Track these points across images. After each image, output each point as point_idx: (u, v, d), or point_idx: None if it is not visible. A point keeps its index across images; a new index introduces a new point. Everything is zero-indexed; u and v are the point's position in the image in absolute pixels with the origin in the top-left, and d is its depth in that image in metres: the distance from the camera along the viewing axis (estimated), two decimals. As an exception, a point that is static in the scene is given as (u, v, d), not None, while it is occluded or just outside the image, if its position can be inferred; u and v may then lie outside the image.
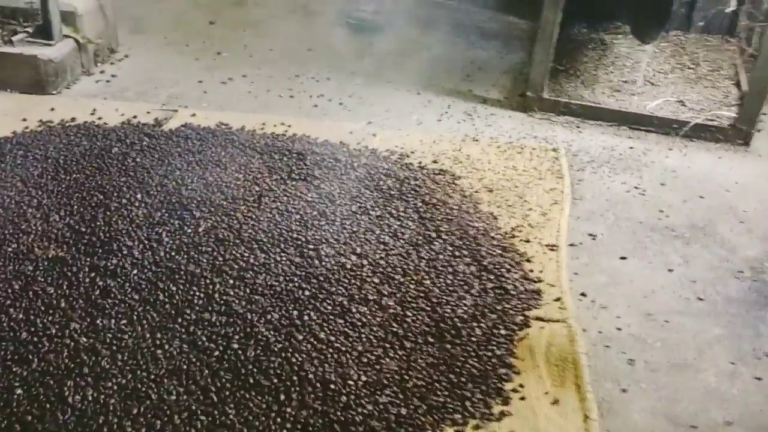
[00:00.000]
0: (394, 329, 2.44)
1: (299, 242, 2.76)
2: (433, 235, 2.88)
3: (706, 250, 2.92)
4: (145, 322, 2.37)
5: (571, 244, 2.95)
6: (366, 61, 4.38)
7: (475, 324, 2.47)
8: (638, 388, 2.32)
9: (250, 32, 4.68)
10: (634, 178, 3.39)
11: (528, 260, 2.83)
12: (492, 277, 2.69)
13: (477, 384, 2.27)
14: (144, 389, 2.15)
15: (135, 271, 2.57)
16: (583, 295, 2.69)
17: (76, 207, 2.89)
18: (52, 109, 3.62)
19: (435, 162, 3.42)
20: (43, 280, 2.52)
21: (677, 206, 3.21)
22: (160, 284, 2.52)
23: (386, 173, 3.26)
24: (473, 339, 2.42)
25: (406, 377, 2.27)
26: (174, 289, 2.51)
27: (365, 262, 2.70)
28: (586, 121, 3.83)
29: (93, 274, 2.55)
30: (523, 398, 2.25)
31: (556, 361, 2.36)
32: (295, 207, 2.96)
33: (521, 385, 2.29)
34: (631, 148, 3.65)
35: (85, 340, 2.29)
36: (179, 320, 2.39)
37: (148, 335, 2.32)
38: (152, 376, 2.19)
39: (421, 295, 2.58)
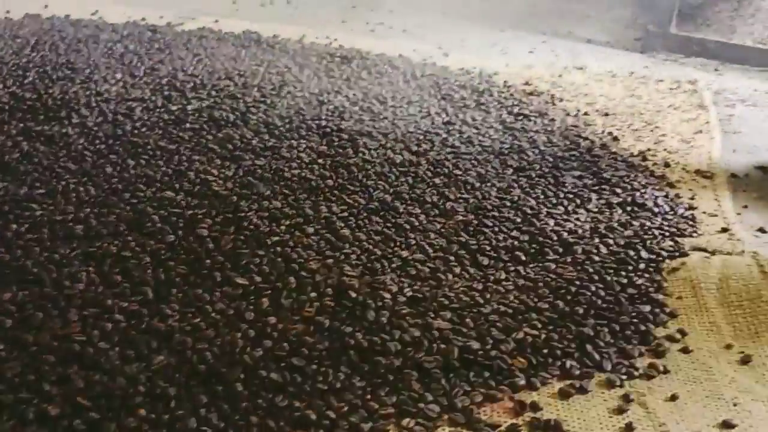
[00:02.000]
0: (463, 240, 1.51)
1: (328, 130, 1.88)
2: (526, 145, 1.96)
3: None
4: (73, 195, 1.51)
5: (733, 175, 1.98)
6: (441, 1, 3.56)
7: (597, 240, 1.52)
8: None
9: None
10: (806, 119, 2.42)
11: (671, 185, 1.87)
12: (618, 190, 1.74)
13: (605, 320, 1.31)
14: (35, 270, 1.27)
15: (82, 141, 1.73)
16: (761, 231, 1.71)
17: (30, 78, 2.09)
18: (46, 6, 2.89)
19: (527, 84, 2.52)
20: (-54, 140, 1.70)
21: None
22: (112, 157, 1.67)
23: (459, 85, 2.37)
24: (595, 258, 1.46)
25: (481, 300, 1.33)
26: (132, 163, 1.65)
27: (423, 161, 1.80)
28: (728, 63, 2.90)
29: (20, 138, 1.72)
30: (686, 350, 1.28)
31: (740, 302, 1.38)
32: (328, 99, 2.09)
33: (681, 332, 1.32)
34: (793, 93, 2.68)
35: (-31, 204, 1.44)
36: (126, 196, 1.52)
37: (70, 209, 1.45)
38: (56, 256, 1.31)
39: (508, 204, 1.65)
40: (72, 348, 1.11)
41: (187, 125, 1.84)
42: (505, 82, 2.49)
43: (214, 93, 2.06)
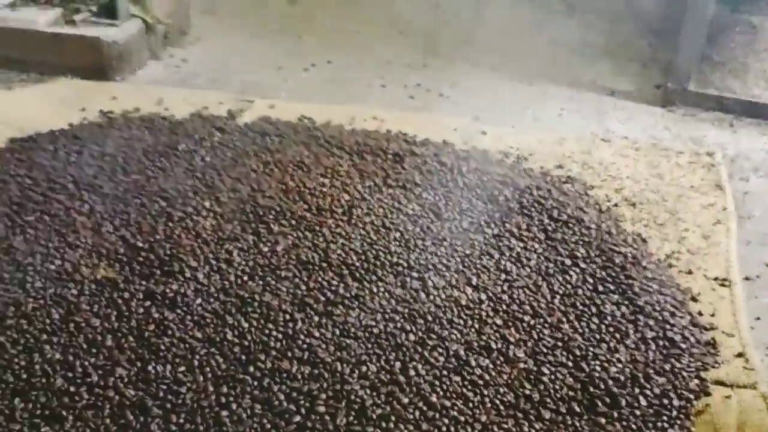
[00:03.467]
0: (527, 391, 1.86)
1: (400, 268, 2.21)
2: (568, 262, 2.28)
3: None
4: (208, 370, 1.86)
5: (746, 278, 2.30)
6: (466, 46, 3.80)
7: (637, 390, 1.87)
8: None
9: (334, 13, 4.15)
10: (815, 193, 2.71)
11: (694, 299, 2.20)
12: (652, 322, 2.07)
13: (647, 479, 1.68)
14: (203, 469, 1.64)
15: (199, 301, 2.07)
16: (772, 349, 2.06)
17: (133, 215, 2.41)
18: (114, 98, 3.17)
19: (560, 167, 2.81)
20: (88, 308, 2.03)
21: None
22: (228, 318, 2.01)
23: (502, 181, 2.66)
24: (636, 412, 1.81)
25: (549, 464, 1.69)
26: (246, 326, 1.99)
27: (484, 296, 2.13)
28: (742, 118, 3.16)
29: (147, 303, 2.06)
30: (712, 503, 1.65)
31: (753, 448, 1.74)
32: (393, 222, 2.40)
33: (707, 483, 1.69)
34: (804, 153, 2.96)
35: (132, 392, 1.79)
36: (251, 369, 1.86)
37: (211, 388, 1.81)
38: (214, 450, 1.68)
39: (559, 344, 1.99)
40: None
41: (281, 272, 2.17)
42: (541, 167, 2.78)
43: (294, 222, 2.37)
